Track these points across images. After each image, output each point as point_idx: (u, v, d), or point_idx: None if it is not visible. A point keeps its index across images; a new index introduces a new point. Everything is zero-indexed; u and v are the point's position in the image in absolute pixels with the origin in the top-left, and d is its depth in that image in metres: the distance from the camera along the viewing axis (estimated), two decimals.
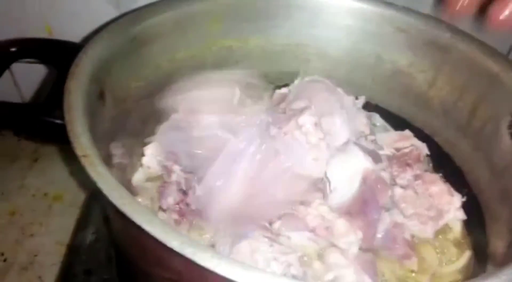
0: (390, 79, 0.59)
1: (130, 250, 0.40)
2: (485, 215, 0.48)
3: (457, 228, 0.50)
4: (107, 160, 0.39)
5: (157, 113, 0.54)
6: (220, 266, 0.26)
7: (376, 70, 0.59)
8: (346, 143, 0.45)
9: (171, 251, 0.27)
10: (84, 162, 0.30)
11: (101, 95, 0.41)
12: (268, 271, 0.38)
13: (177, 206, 0.47)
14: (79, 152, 0.30)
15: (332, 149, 0.45)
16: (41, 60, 0.44)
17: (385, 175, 0.45)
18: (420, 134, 0.58)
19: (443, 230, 0.50)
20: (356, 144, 0.45)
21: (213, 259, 0.26)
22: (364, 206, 0.43)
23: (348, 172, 0.43)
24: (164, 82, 0.54)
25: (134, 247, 0.36)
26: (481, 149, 0.50)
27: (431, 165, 0.56)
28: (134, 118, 0.49)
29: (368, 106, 0.61)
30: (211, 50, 0.57)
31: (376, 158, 0.46)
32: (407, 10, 0.54)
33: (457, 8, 0.38)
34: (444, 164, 0.55)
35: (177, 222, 0.45)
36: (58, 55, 0.39)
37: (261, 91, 0.63)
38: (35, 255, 0.66)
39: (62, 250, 0.65)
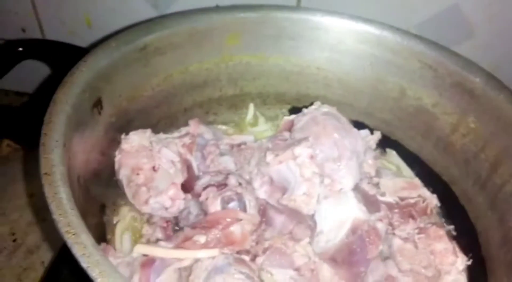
0: (413, 117, 0.55)
1: None
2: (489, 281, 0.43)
3: None
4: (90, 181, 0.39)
5: (164, 122, 0.55)
6: None
7: (399, 104, 0.55)
8: None
9: None
10: (45, 180, 0.30)
11: (96, 104, 0.41)
12: None
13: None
14: (43, 168, 0.30)
15: (327, 188, 0.43)
16: (46, 62, 0.45)
17: (381, 226, 0.42)
18: (437, 180, 0.54)
19: None
20: (353, 189, 0.42)
21: None
22: (350, 256, 0.40)
23: (337, 218, 0.40)
24: (174, 93, 0.54)
25: None
26: (497, 209, 0.45)
27: (442, 216, 0.52)
28: (136, 125, 0.49)
29: (388, 142, 0.57)
30: (227, 65, 0.56)
31: (373, 205, 0.43)
32: (438, 46, 0.50)
33: None
34: (457, 217, 0.51)
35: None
36: (62, 58, 0.40)
37: (276, 110, 0.62)
38: (44, 240, 0.68)
39: None
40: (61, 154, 0.32)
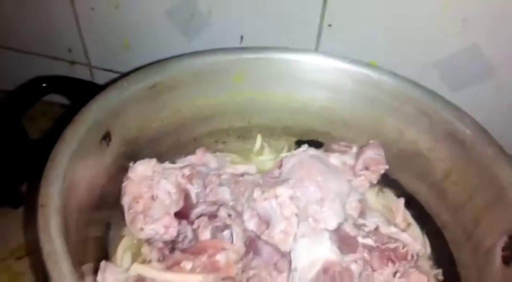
0: (410, 159, 0.56)
1: None
2: None
3: None
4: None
5: (173, 150, 0.59)
6: None
7: (397, 145, 0.57)
8: None
9: None
10: (40, 211, 0.35)
11: (105, 137, 0.46)
12: None
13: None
14: (41, 199, 0.35)
15: (307, 228, 0.45)
16: (67, 96, 0.51)
17: (355, 267, 0.44)
18: (431, 223, 0.55)
19: None
20: (328, 231, 0.44)
21: None
22: None
23: (310, 257, 0.43)
24: (183, 124, 0.59)
25: None
26: (477, 260, 0.45)
27: (432, 260, 0.52)
28: (146, 153, 0.54)
29: (387, 180, 0.59)
30: (234, 100, 0.60)
31: (350, 247, 0.45)
32: (433, 95, 0.51)
33: None
34: (446, 262, 0.51)
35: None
36: (81, 94, 0.46)
37: (283, 141, 0.65)
38: None
39: None
40: (61, 186, 0.37)
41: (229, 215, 0.50)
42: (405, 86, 0.53)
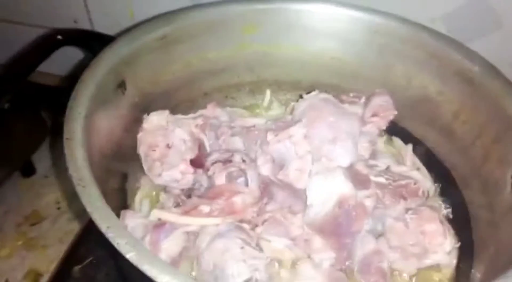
0: (419, 105, 0.57)
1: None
2: (473, 262, 0.45)
3: (447, 271, 0.48)
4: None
5: (184, 105, 0.60)
6: None
7: (406, 93, 0.57)
8: None
9: None
10: (66, 144, 0.36)
11: (120, 85, 0.47)
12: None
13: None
14: (65, 134, 0.36)
15: (320, 166, 0.46)
16: (81, 48, 0.52)
17: (369, 203, 0.45)
18: (440, 166, 0.56)
19: (432, 269, 0.48)
20: (342, 167, 0.45)
21: None
22: (337, 228, 0.44)
23: (325, 193, 0.44)
24: (193, 78, 0.60)
25: None
26: (487, 193, 0.47)
27: (442, 200, 0.54)
28: (158, 106, 0.55)
29: (395, 128, 0.60)
30: (244, 53, 0.60)
31: (363, 184, 0.46)
32: (442, 36, 0.52)
33: None
34: (455, 201, 0.53)
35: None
36: (96, 44, 0.46)
37: (292, 95, 0.66)
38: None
39: None
40: (83, 123, 0.38)
41: (243, 160, 0.51)
42: (416, 31, 0.53)
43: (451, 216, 0.52)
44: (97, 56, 0.45)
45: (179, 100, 0.59)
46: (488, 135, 0.47)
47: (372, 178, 0.48)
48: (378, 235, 0.48)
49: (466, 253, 0.47)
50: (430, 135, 0.57)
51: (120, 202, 0.50)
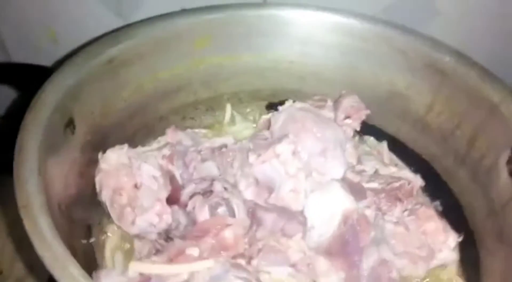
0: (388, 101, 0.55)
1: None
2: (480, 253, 0.45)
3: (452, 267, 0.47)
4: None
5: (140, 133, 0.53)
6: None
7: (374, 91, 0.56)
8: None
9: None
10: (23, 213, 0.28)
11: (68, 124, 0.39)
12: None
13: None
14: (20, 201, 0.29)
15: (313, 182, 0.43)
16: (12, 85, 0.43)
17: (369, 213, 0.42)
18: (419, 159, 0.55)
19: (437, 269, 0.46)
20: (337, 180, 0.42)
21: None
22: (344, 246, 0.40)
23: (327, 211, 0.40)
24: (147, 102, 0.53)
25: None
26: (479, 181, 0.46)
27: (426, 195, 0.53)
28: (113, 140, 0.48)
29: (366, 128, 0.57)
30: (198, 69, 0.55)
31: (359, 193, 0.43)
32: (406, 30, 0.51)
33: None
34: (441, 194, 0.52)
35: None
36: (28, 80, 0.38)
37: (253, 107, 0.62)
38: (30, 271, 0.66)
39: None
40: (37, 182, 0.31)
41: (225, 188, 0.46)
42: (376, 26, 0.52)
43: (439, 208, 0.51)
44: (38, 95, 0.36)
45: (135, 130, 0.53)
46: (470, 124, 0.47)
47: (365, 184, 0.45)
48: (378, 244, 0.46)
49: (468, 244, 0.46)
50: (403, 130, 0.56)
51: (88, 261, 0.42)
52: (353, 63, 0.55)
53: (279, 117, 0.47)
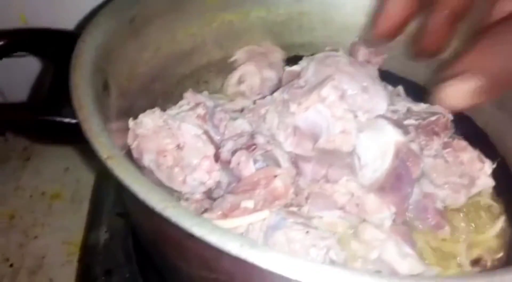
0: (404, 44, 0.56)
1: (157, 247, 0.37)
2: None
3: (487, 194, 0.48)
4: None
5: (161, 100, 0.51)
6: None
7: None
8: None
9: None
10: (111, 164, 0.26)
11: (105, 86, 0.37)
12: (309, 259, 0.36)
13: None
14: (102, 153, 0.27)
15: (359, 122, 0.43)
16: (35, 53, 0.39)
17: (415, 146, 0.43)
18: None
19: (473, 197, 0.48)
20: (383, 116, 0.42)
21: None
22: (397, 180, 0.41)
23: (380, 147, 0.41)
24: (165, 65, 0.51)
25: (164, 244, 0.33)
26: (505, 108, 0.48)
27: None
28: (139, 106, 0.45)
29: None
30: (211, 27, 0.53)
31: (402, 129, 0.43)
32: None
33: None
34: (465, 126, 0.53)
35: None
36: (54, 46, 0.35)
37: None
38: (43, 257, 0.64)
39: (70, 249, 0.63)
40: (108, 135, 0.29)
41: (267, 141, 0.45)
42: None
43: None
44: (75, 54, 0.34)
45: (155, 95, 0.50)
46: None
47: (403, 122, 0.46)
48: (418, 178, 0.47)
49: (502, 169, 0.48)
50: (417, 72, 0.56)
51: None
52: (365, 7, 0.55)
53: (309, 66, 0.46)
